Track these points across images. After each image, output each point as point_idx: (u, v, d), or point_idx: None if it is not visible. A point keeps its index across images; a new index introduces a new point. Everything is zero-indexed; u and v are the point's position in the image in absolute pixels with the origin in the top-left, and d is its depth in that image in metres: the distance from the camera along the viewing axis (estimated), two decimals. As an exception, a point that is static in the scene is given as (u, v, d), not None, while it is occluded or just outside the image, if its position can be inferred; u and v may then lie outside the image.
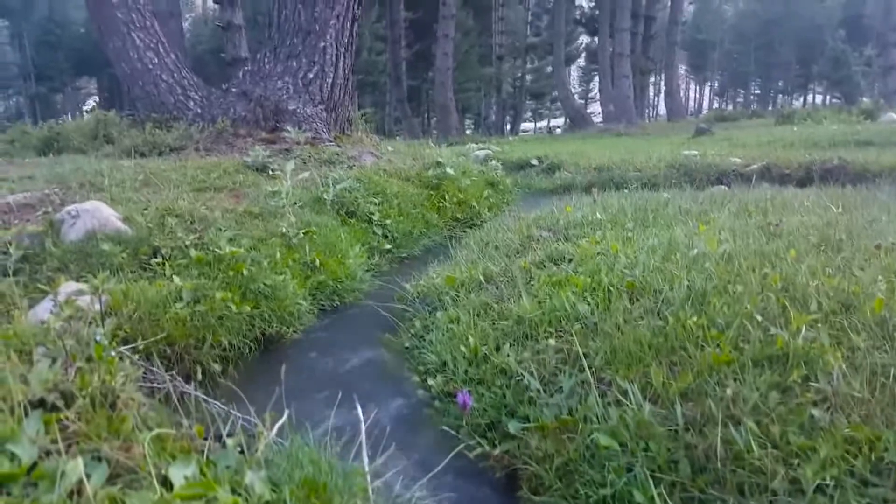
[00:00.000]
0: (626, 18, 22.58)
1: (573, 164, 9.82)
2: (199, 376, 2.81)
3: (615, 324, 2.52)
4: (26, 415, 1.58)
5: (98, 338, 1.78)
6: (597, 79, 49.83)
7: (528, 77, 42.47)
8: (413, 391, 2.72)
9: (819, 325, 2.18)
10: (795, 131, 16.94)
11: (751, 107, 57.66)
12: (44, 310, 2.57)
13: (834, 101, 55.26)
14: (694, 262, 3.06)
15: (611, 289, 2.90)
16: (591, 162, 9.60)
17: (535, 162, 10.82)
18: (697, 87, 69.48)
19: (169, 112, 6.18)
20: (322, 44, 6.54)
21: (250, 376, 2.94)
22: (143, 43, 6.05)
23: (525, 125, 52.60)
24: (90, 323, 2.49)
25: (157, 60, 6.10)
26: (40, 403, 1.64)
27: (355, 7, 6.71)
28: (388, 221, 5.13)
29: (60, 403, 1.69)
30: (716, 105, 65.88)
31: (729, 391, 1.82)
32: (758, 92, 63.19)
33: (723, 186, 8.36)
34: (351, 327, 3.60)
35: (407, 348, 3.15)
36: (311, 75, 6.57)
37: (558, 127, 45.89)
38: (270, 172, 5.12)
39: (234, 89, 6.56)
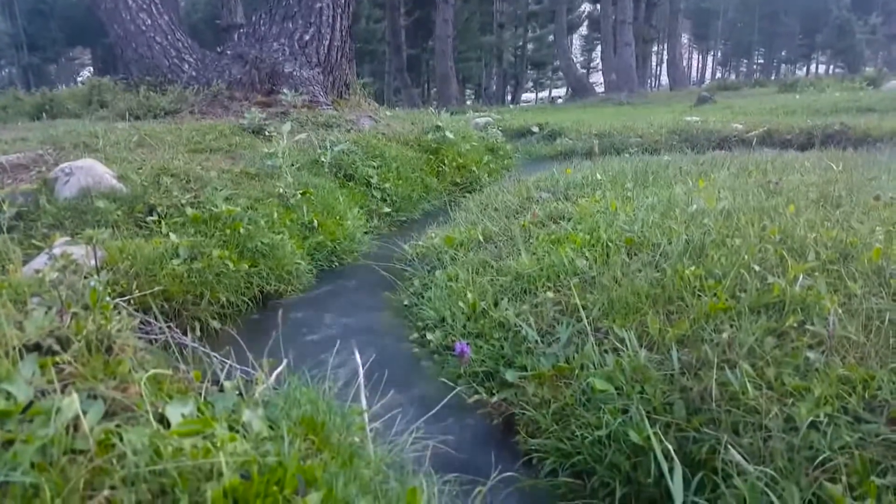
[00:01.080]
0: (628, -16, 22.08)
1: (574, 130, 9.72)
2: (198, 332, 2.83)
3: (613, 277, 2.52)
4: (21, 358, 1.59)
5: (93, 284, 1.77)
6: (599, 48, 49.20)
7: (530, 46, 41.81)
8: (412, 346, 2.73)
9: (816, 273, 2.17)
10: (798, 99, 16.76)
11: (754, 76, 57.09)
12: (39, 264, 2.56)
13: (837, 70, 54.61)
14: (692, 219, 3.04)
15: (609, 244, 2.89)
16: (593, 129, 9.51)
17: (535, 129, 10.71)
18: (700, 57, 68.44)
19: (163, 75, 6.08)
20: (318, 4, 6.41)
21: (249, 332, 2.94)
22: (135, 4, 5.92)
23: (526, 95, 51.95)
24: (85, 277, 2.49)
25: (150, 22, 5.98)
26: (35, 348, 1.64)
27: (352, -33, 6.51)
28: (386, 185, 5.10)
29: (57, 347, 1.70)
30: (719, 75, 65.01)
31: (725, 335, 1.82)
32: (761, 62, 62.34)
33: (724, 151, 8.30)
34: (350, 286, 3.60)
35: (406, 306, 3.15)
36: (307, 37, 6.45)
37: (560, 97, 45.31)
38: (267, 135, 5.07)
39: (229, 52, 6.45)
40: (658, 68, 55.51)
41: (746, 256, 2.35)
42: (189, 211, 3.25)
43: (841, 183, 3.70)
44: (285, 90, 5.88)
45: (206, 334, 2.82)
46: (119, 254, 2.75)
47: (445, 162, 6.01)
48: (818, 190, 3.54)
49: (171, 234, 3.01)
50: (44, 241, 2.76)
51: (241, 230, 3.27)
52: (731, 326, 1.92)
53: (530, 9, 37.16)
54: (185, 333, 2.74)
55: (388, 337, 2.87)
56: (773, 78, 54.16)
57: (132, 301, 2.55)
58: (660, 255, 2.65)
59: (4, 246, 2.70)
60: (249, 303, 3.12)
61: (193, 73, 6.13)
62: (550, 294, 2.48)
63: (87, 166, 3.11)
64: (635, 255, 2.78)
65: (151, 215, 3.18)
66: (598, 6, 32.59)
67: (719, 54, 64.78)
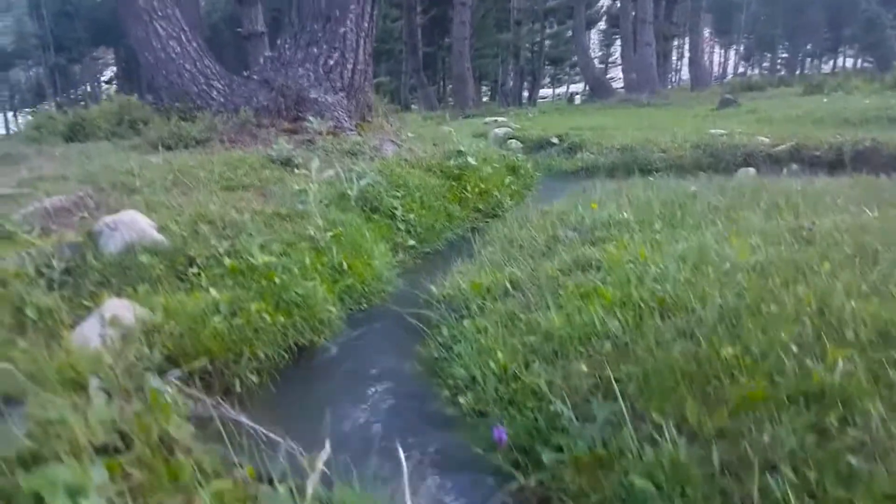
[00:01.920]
0: (650, -17, 21.81)
1: (595, 143, 9.68)
2: (238, 388, 2.92)
3: (647, 346, 2.54)
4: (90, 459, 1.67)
5: (154, 384, 1.84)
6: (618, 42, 48.67)
7: (547, 42, 41.48)
8: (443, 408, 2.78)
9: (856, 357, 2.18)
10: (825, 103, 16.47)
11: (777, 72, 56.02)
12: (90, 327, 2.65)
13: (866, 65, 53.42)
14: (725, 276, 3.05)
15: (641, 304, 2.91)
16: (614, 142, 9.46)
17: (555, 141, 10.69)
18: (722, 51, 67.36)
19: (192, 101, 6.19)
20: (342, 29, 6.46)
21: (285, 386, 3.02)
22: (165, 32, 6.03)
23: (543, 91, 51.65)
24: (137, 341, 2.58)
25: (179, 49, 6.09)
26: (102, 448, 1.72)
27: (376, -9, 6.57)
28: (410, 216, 5.15)
29: (120, 444, 1.78)
30: (741, 69, 63.94)
31: (766, 437, 1.84)
32: (785, 56, 61.18)
33: (751, 169, 8.22)
34: (379, 334, 3.66)
35: (436, 359, 3.20)
36: (331, 62, 6.52)
37: (577, 93, 44.90)
38: (295, 167, 5.14)
39: (255, 77, 6.54)
40: (678, 62, 54.85)
41: (784, 335, 2.35)
42: (227, 261, 3.33)
43: (876, 230, 3.66)
44: (311, 118, 5.96)
45: (245, 388, 2.90)
46: (164, 313, 2.84)
47: (468, 188, 6.04)
48: (853, 240, 3.52)
49: (211, 288, 3.09)
50: (92, 300, 2.86)
51: (277, 280, 3.34)
52: (771, 420, 1.94)
53: (548, 5, 36.88)
54: (226, 393, 2.83)
55: (420, 398, 2.91)
56: (797, 73, 53.20)
57: (180, 365, 2.64)
58: (694, 320, 2.66)
59: (56, 305, 2.80)
60: (285, 354, 3.19)
61: (221, 100, 6.23)
62: (584, 367, 2.51)
63: (129, 220, 3.20)
64: (668, 317, 2.79)
65: (192, 267, 3.27)
66: (618, 2, 32.26)
67: (742, 48, 63.74)
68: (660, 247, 3.73)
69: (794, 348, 2.28)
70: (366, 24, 6.54)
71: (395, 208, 5.05)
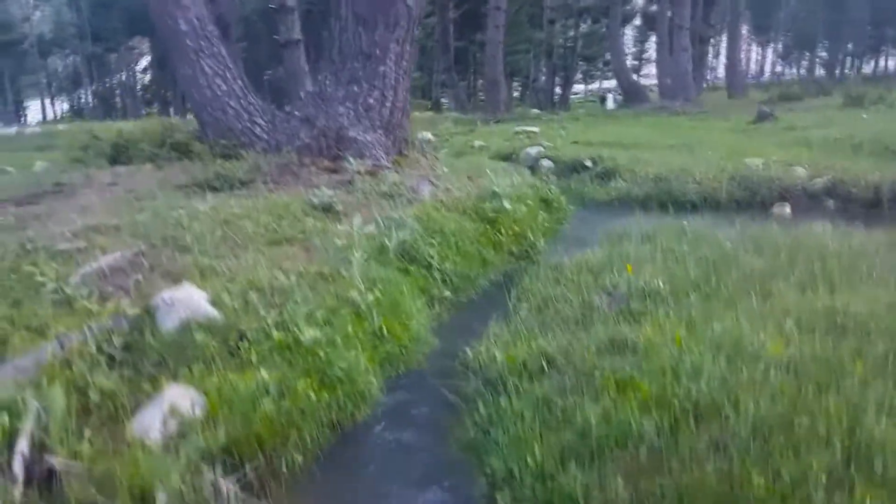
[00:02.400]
0: (689, -10, 21.40)
1: (629, 170, 9.65)
2: (284, 470, 3.09)
3: (682, 458, 2.63)
4: None
5: None
6: (652, 38, 47.79)
7: (580, 41, 40.94)
8: (481, 501, 2.92)
9: (885, 499, 2.24)
10: (865, 120, 16.09)
11: (816, 71, 54.47)
12: (150, 417, 2.84)
13: (910, 66, 51.53)
14: (759, 375, 3.11)
15: (676, 403, 2.99)
16: (648, 169, 9.42)
17: (588, 163, 10.67)
18: (759, 49, 65.61)
19: (236, 137, 6.39)
20: (382, 68, 6.58)
21: (328, 465, 3.18)
22: (211, 70, 6.22)
23: (575, 86, 51.01)
24: (195, 433, 2.75)
25: (224, 87, 6.28)
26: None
27: (414, 29, 6.71)
28: (446, 264, 5.27)
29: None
30: (778, 68, 62.29)
31: None
32: (824, 55, 59.36)
33: (786, 208, 8.17)
34: (416, 405, 3.81)
35: (472, 440, 3.33)
36: (371, 100, 6.65)
37: (610, 91, 44.18)
38: (336, 215, 5.30)
39: (297, 113, 6.70)
40: (714, 60, 53.68)
41: (815, 464, 2.42)
42: (275, 335, 3.50)
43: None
44: (350, 158, 6.11)
45: (289, 472, 3.07)
46: (218, 397, 3.01)
47: (502, 231, 6.15)
48: (886, 328, 3.54)
49: (261, 366, 3.26)
50: (151, 384, 3.05)
51: (321, 354, 3.50)
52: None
53: (581, 3, 36.40)
54: (274, 477, 3.01)
55: (453, 492, 3.05)
56: (837, 73, 51.58)
57: (233, 454, 2.82)
58: (728, 431, 2.75)
59: (118, 388, 3.00)
60: (327, 430, 3.35)
61: (265, 136, 6.42)
62: (620, 481, 2.61)
63: (185, 297, 3.39)
64: (702, 420, 2.88)
65: (242, 341, 3.44)
66: (655, 4, 31.69)
67: (780, 46, 62.03)
68: (695, 328, 3.79)
69: (824, 478, 2.36)
70: (405, 63, 6.65)
71: (432, 257, 5.18)
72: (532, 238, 6.47)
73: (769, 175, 8.91)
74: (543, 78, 41.84)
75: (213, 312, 3.48)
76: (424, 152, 7.55)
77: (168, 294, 3.42)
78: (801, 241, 5.58)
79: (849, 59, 59.13)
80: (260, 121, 6.40)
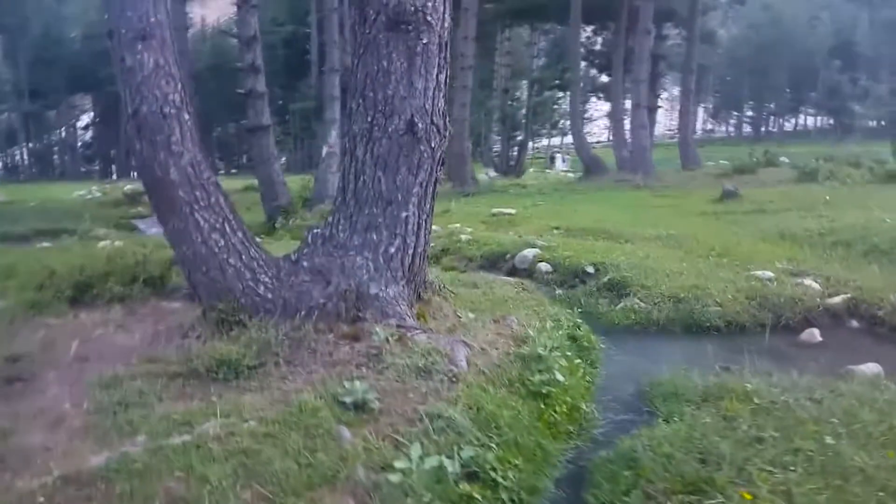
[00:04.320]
0: (644, 70, 22.04)
1: (640, 285, 9.15)
2: None
3: None
4: None
5: None
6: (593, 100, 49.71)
7: (532, 111, 42.10)
8: None
9: None
10: (829, 203, 16.49)
11: (742, 128, 58.19)
12: None
13: (828, 125, 55.93)
14: None
15: None
16: (662, 286, 8.95)
17: (590, 270, 10.14)
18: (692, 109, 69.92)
19: (236, 300, 5.37)
20: (405, 213, 5.78)
21: None
22: (207, 224, 5.22)
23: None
24: None
25: (223, 243, 5.28)
26: None
27: (438, 170, 6.00)
28: (510, 474, 4.38)
29: None
30: (709, 126, 66.25)
31: None
32: (750, 114, 63.57)
33: (815, 333, 7.80)
34: None
35: None
36: (392, 249, 5.79)
37: (559, 150, 44.94)
38: (373, 411, 4.38)
39: (304, 262, 5.74)
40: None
41: None
42: None
43: None
44: (377, 328, 5.21)
45: None
46: None
47: (557, 409, 5.34)
48: None
49: None
50: None
51: None
52: None
53: (533, 76, 37.45)
54: None
55: None
56: (762, 130, 55.23)
57: None
58: None
59: None
60: None
61: (269, 296, 5.42)
62: None
63: None
64: None
65: None
66: (605, 76, 32.83)
67: (710, 107, 66.08)
68: None
69: None
70: (427, 206, 5.89)
71: (494, 469, 4.29)
72: (585, 409, 5.69)
73: (789, 294, 8.58)
74: (498, 140, 42.44)
75: None
76: (442, 293, 6.74)
77: None
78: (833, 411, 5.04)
79: (772, 118, 63.67)
80: (264, 277, 5.42)
